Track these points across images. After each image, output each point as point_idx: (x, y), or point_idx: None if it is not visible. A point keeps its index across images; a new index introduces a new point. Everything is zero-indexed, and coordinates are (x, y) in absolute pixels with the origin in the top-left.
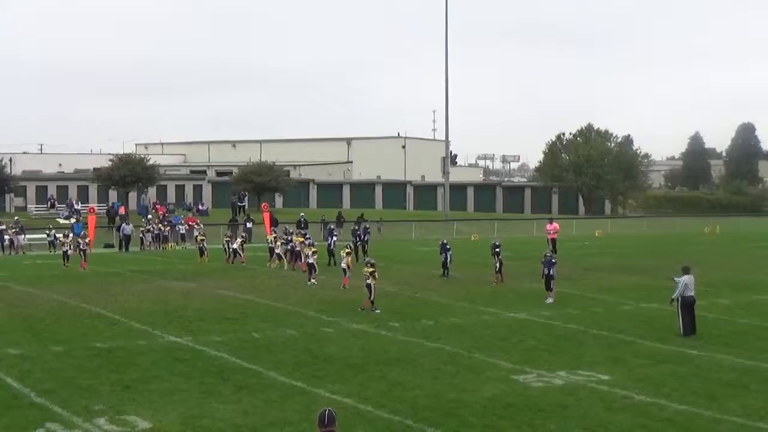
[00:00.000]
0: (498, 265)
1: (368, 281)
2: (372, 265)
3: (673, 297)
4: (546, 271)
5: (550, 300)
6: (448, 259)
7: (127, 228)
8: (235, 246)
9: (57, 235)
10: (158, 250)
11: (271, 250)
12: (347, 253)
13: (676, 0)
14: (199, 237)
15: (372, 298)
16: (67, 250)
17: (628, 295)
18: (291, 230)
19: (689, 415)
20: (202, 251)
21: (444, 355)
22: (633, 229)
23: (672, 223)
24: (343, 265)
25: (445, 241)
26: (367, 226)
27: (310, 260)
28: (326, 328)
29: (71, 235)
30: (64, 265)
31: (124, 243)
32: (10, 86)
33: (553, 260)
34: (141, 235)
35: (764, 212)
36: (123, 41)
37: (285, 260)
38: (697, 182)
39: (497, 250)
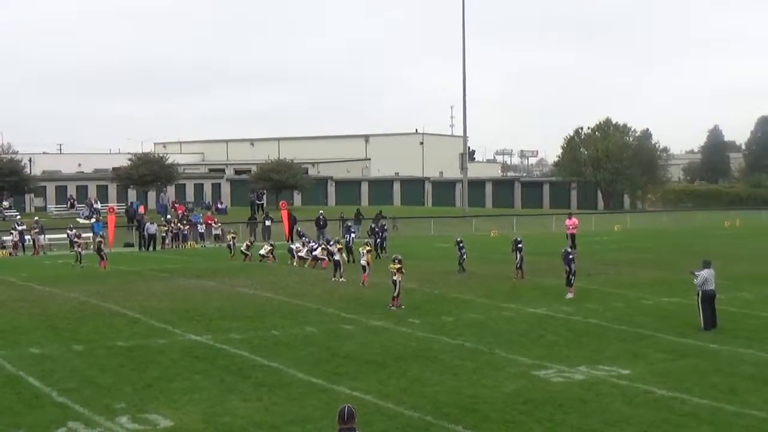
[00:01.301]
0: (519, 261)
1: (394, 277)
2: (399, 261)
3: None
4: (566, 267)
5: (570, 295)
6: (464, 255)
7: (152, 227)
8: (262, 252)
9: (82, 235)
10: (178, 248)
11: (291, 251)
12: (368, 251)
13: None
14: (229, 236)
15: (396, 293)
16: (80, 251)
17: (648, 290)
18: (303, 233)
19: (711, 409)
20: (231, 248)
21: (464, 351)
22: (652, 223)
23: (692, 216)
24: (363, 262)
25: (459, 239)
26: (384, 224)
27: (336, 257)
28: (346, 325)
29: (83, 235)
30: (80, 265)
31: (149, 242)
32: (28, 86)
33: (571, 255)
34: (163, 234)
35: None
36: (140, 40)
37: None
38: (716, 175)
39: (519, 246)
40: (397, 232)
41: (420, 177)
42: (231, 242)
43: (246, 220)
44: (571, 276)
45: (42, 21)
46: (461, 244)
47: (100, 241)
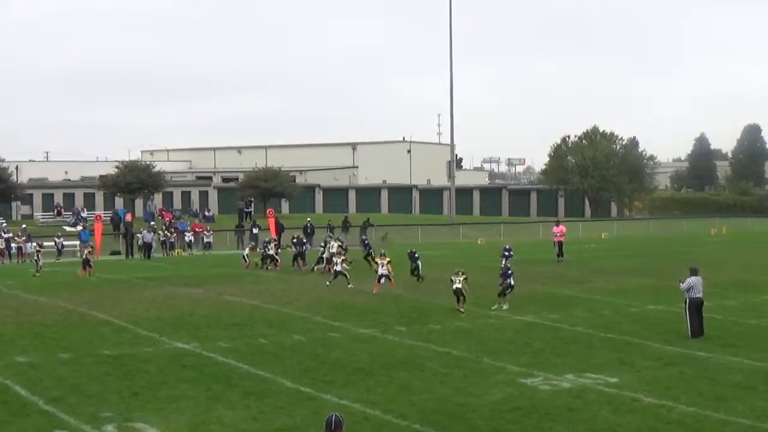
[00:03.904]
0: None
1: (382, 270)
2: (387, 261)
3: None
4: (504, 282)
5: (505, 306)
6: (419, 266)
7: (148, 236)
8: (245, 252)
9: (64, 243)
10: (165, 256)
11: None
12: (387, 261)
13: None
14: (247, 249)
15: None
16: (37, 259)
17: (635, 297)
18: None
19: (697, 417)
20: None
21: (451, 358)
22: (639, 230)
23: (678, 224)
24: (384, 271)
25: (413, 250)
26: (365, 239)
27: (338, 267)
28: (333, 333)
29: (45, 244)
30: (37, 274)
31: (145, 251)
32: (15, 94)
33: (510, 271)
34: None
35: None
36: (126, 46)
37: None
38: (702, 183)
39: (506, 254)
40: (386, 241)
41: (407, 185)
42: (247, 253)
43: (234, 228)
44: (507, 290)
45: (26, 27)
46: (416, 255)
47: (89, 251)
